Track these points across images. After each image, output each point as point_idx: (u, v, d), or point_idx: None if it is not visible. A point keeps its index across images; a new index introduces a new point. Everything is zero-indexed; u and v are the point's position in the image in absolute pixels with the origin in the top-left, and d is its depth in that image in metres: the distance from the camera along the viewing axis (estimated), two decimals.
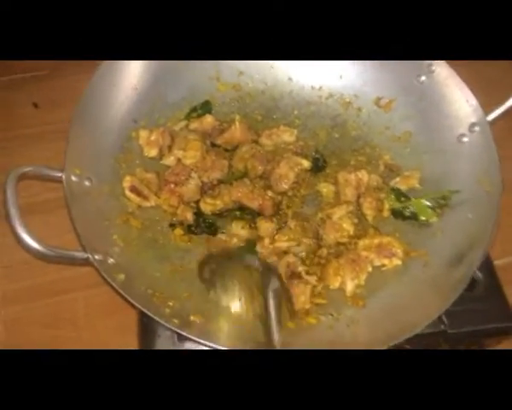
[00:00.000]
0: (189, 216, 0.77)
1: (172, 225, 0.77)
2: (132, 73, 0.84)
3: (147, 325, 0.69)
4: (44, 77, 1.01)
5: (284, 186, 0.81)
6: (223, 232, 0.77)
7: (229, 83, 0.92)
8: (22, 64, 1.01)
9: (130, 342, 0.71)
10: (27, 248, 0.61)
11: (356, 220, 0.78)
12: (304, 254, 0.74)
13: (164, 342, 0.68)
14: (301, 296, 0.70)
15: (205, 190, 0.80)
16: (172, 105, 0.88)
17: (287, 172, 0.82)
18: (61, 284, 0.80)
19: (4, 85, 1.00)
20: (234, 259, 0.74)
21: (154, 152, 0.81)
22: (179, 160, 0.81)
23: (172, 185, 0.78)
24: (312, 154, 0.86)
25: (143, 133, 0.82)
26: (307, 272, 0.71)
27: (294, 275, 0.72)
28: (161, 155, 0.82)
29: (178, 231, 0.76)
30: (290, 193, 0.82)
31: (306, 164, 0.84)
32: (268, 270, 0.73)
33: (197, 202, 0.79)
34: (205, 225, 0.77)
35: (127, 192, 0.77)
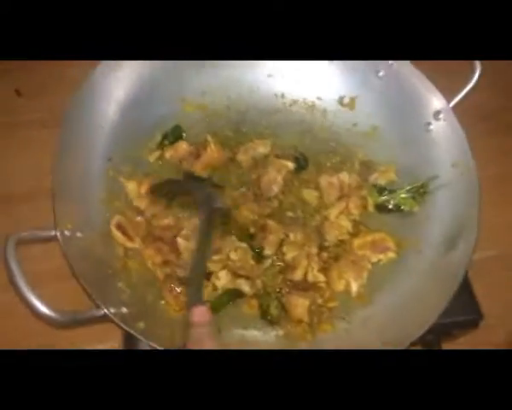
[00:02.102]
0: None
1: None
2: (98, 112, 0.82)
3: None
4: (26, 64, 0.95)
5: (275, 190, 0.83)
6: None
7: (194, 103, 0.92)
8: None
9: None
10: (44, 319, 0.60)
11: (352, 217, 0.81)
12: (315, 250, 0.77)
13: None
14: (298, 309, 0.72)
15: None
16: (143, 135, 0.87)
17: (275, 176, 0.84)
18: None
19: None
20: None
21: (144, 204, 0.80)
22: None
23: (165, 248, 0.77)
24: (292, 154, 0.88)
25: (132, 185, 0.81)
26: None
27: (296, 286, 0.75)
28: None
29: None
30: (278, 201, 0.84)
31: (291, 165, 0.86)
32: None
33: None
34: None
35: (113, 229, 0.76)
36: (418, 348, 0.75)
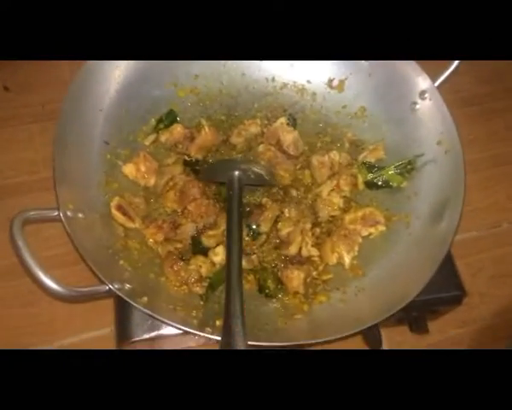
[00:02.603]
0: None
1: None
2: (97, 96, 0.84)
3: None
4: (13, 61, 0.97)
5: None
6: None
7: (186, 87, 0.94)
8: None
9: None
10: (51, 293, 0.62)
11: (343, 194, 0.84)
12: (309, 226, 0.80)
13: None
14: (294, 281, 0.76)
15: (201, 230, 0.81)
16: (138, 120, 0.89)
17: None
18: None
19: None
20: None
21: (153, 181, 0.83)
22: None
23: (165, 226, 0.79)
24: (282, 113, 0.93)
25: (129, 168, 0.83)
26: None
27: (291, 261, 0.78)
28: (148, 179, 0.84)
29: None
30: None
31: (283, 120, 0.90)
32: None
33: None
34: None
35: (113, 210, 0.78)
36: (405, 327, 0.80)
